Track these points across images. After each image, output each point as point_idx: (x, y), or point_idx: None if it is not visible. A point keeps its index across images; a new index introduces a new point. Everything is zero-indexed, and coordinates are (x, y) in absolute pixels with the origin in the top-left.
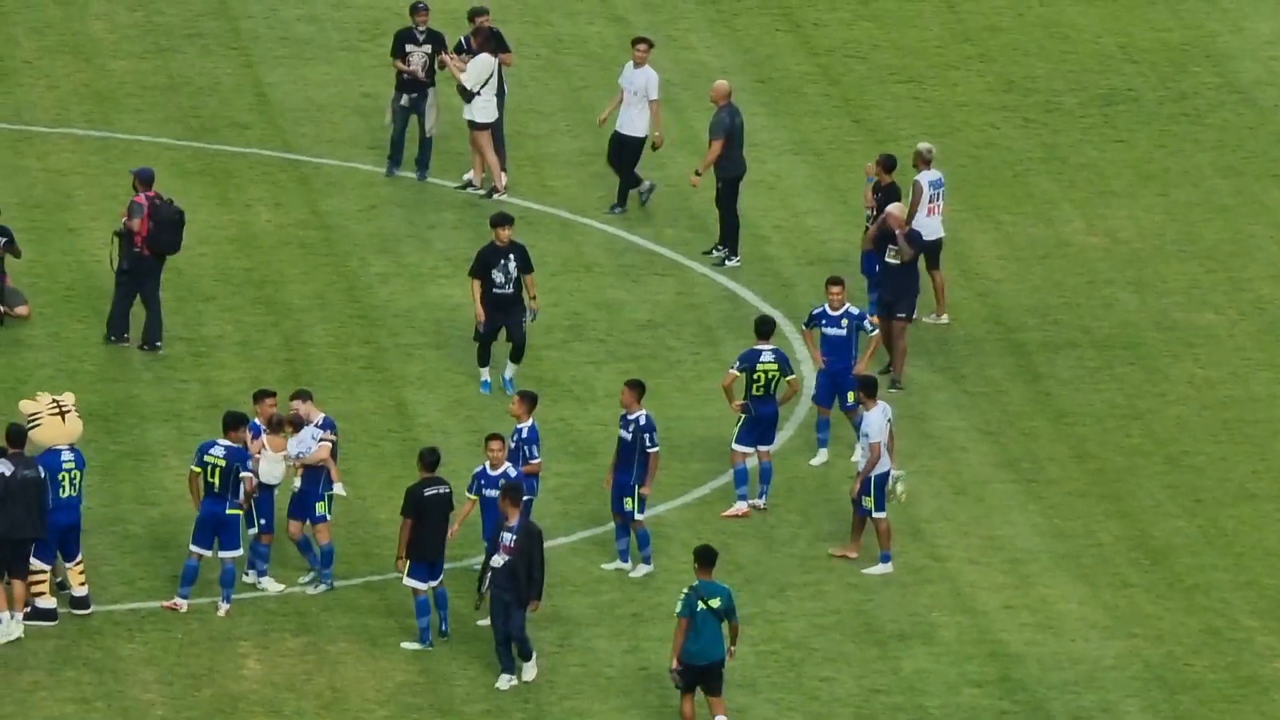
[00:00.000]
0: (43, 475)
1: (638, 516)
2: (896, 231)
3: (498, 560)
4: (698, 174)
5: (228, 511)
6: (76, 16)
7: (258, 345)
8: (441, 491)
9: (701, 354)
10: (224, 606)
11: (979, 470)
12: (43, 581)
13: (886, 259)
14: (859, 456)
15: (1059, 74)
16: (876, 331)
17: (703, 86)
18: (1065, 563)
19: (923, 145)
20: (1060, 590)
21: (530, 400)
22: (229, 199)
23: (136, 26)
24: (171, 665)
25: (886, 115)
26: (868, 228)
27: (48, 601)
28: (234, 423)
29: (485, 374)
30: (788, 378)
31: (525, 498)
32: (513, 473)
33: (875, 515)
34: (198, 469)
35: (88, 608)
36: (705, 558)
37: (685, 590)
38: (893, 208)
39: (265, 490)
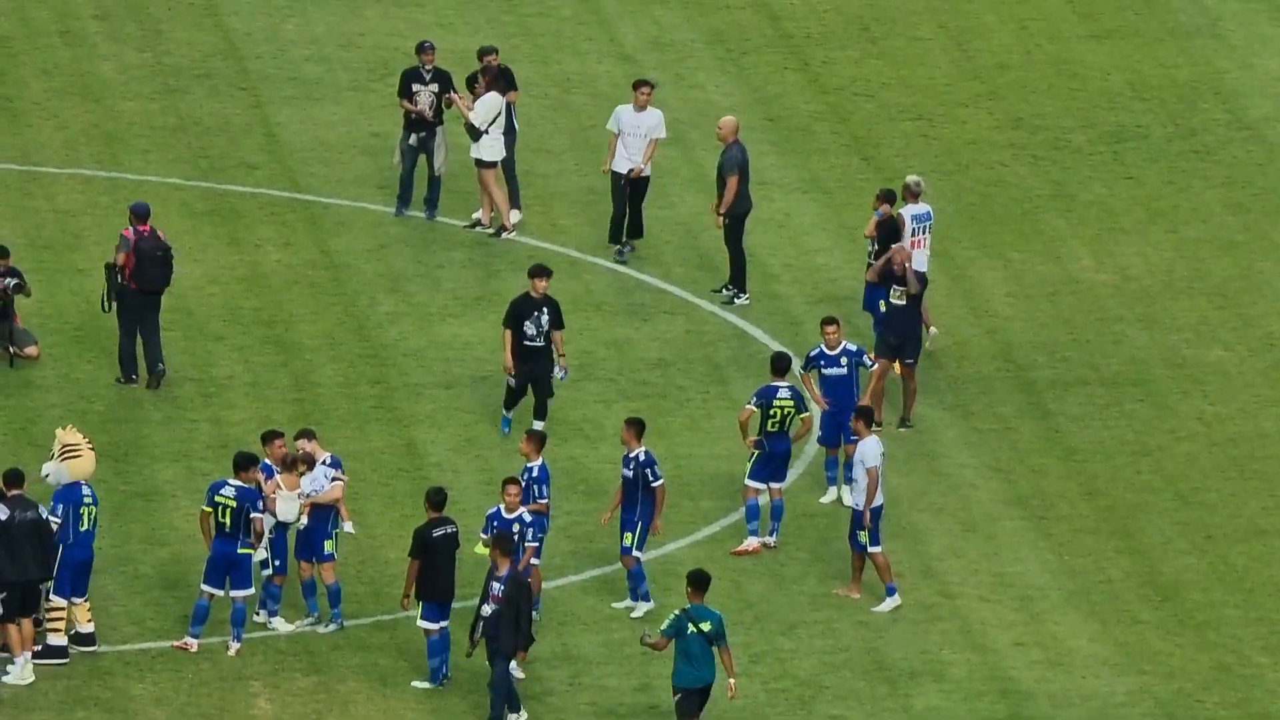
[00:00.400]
0: (44, 516)
1: (635, 553)
2: (904, 268)
3: (487, 609)
4: (720, 214)
5: (239, 551)
6: (85, 58)
7: (268, 385)
8: (449, 531)
9: (711, 392)
10: (235, 646)
11: (989, 507)
12: (60, 619)
13: (891, 300)
14: (850, 500)
15: (1068, 111)
16: (876, 366)
17: (711, 125)
18: (1075, 599)
19: (911, 178)
20: (1071, 627)
21: (539, 440)
22: (238, 239)
23: (145, 67)
24: (182, 705)
25: (895, 153)
26: (870, 263)
27: (59, 639)
28: (245, 463)
29: (508, 414)
30: (802, 415)
31: (539, 535)
32: (528, 517)
33: (871, 550)
34: (209, 509)
35: (93, 645)
36: (698, 581)
37: (676, 611)
38: (898, 246)
39: (280, 529)
